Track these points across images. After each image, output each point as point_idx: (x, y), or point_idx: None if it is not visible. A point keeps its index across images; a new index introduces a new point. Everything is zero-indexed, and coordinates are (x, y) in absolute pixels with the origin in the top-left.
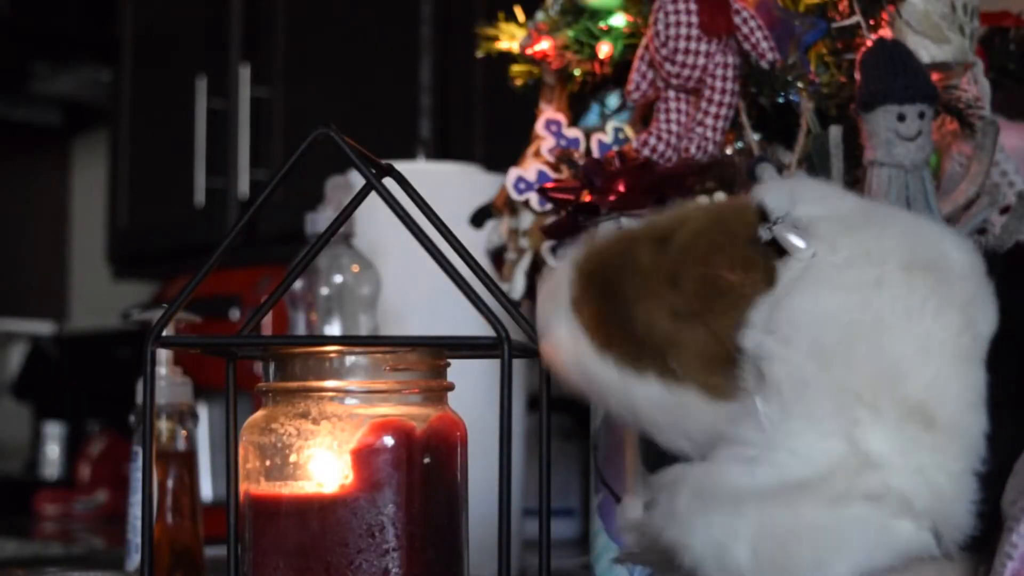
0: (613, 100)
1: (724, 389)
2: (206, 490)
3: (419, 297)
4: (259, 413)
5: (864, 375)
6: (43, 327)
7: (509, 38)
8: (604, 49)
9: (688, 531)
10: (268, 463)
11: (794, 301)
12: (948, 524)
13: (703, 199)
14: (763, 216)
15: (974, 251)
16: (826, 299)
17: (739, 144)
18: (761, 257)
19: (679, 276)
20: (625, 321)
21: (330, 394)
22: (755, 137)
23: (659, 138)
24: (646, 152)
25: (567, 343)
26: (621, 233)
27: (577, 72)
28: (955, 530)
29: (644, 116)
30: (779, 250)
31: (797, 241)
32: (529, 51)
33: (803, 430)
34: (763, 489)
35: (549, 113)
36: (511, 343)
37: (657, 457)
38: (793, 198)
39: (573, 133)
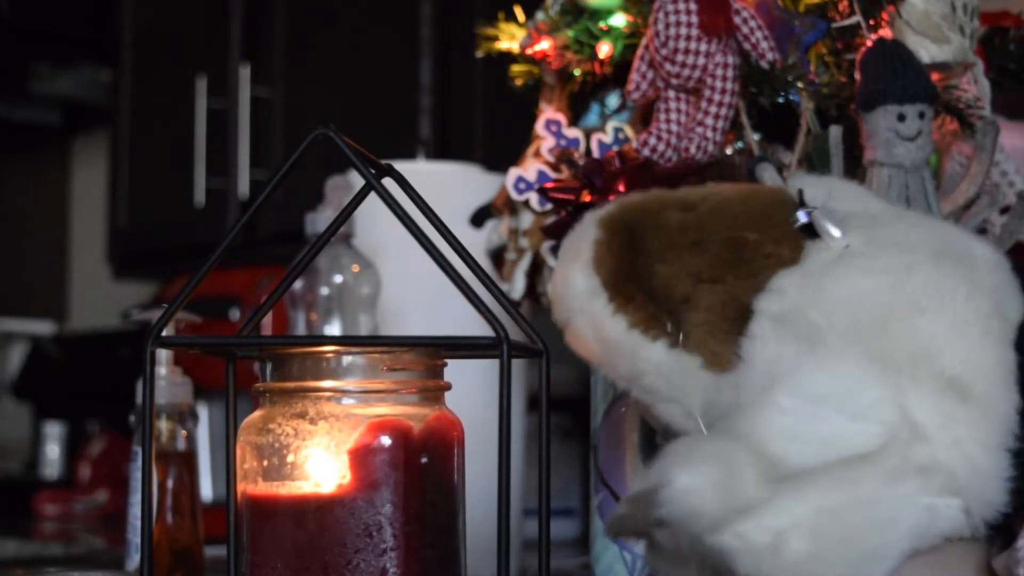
0: (613, 100)
1: (725, 359)
2: (206, 490)
3: (419, 297)
4: (256, 413)
5: (901, 350)
6: (43, 327)
7: (509, 38)
8: (604, 49)
9: (741, 537)
10: (266, 463)
11: (831, 282)
12: (981, 500)
13: None
14: (799, 203)
15: (997, 250)
16: (861, 282)
17: (739, 144)
18: (791, 235)
19: (705, 239)
20: (644, 280)
21: (327, 394)
22: (755, 137)
23: (659, 138)
24: (646, 152)
25: (583, 298)
26: (650, 194)
27: (577, 72)
28: (987, 507)
29: (644, 116)
30: (810, 234)
31: (834, 230)
32: (529, 51)
33: (853, 390)
34: (821, 466)
35: (549, 113)
36: (510, 343)
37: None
38: (829, 192)
39: (573, 133)
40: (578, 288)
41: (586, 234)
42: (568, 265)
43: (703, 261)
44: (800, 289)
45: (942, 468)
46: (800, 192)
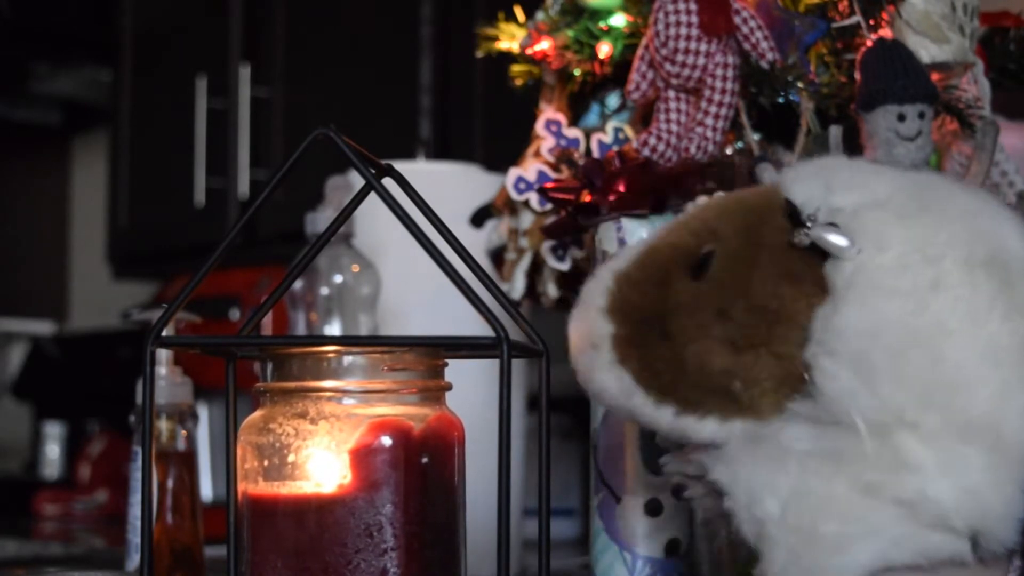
0: (613, 100)
1: (776, 412)
2: (206, 490)
3: (419, 297)
4: (257, 413)
5: (915, 390)
6: (43, 327)
7: (509, 38)
8: (604, 49)
9: (733, 474)
10: (266, 463)
11: (845, 313)
12: (990, 537)
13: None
14: (793, 213)
15: None
16: (878, 309)
17: (739, 144)
18: (805, 265)
19: (726, 309)
20: (678, 364)
21: (328, 394)
22: (755, 137)
23: (659, 138)
24: (646, 152)
25: (619, 396)
26: (646, 262)
27: (577, 72)
28: (997, 543)
29: (644, 116)
30: (823, 251)
31: (839, 240)
32: (529, 51)
33: (842, 438)
34: (806, 450)
35: (549, 113)
36: (510, 343)
37: (659, 455)
38: (826, 186)
39: (573, 133)
40: (612, 391)
41: (596, 326)
42: (590, 365)
43: (734, 330)
44: (823, 329)
45: (931, 504)
46: (790, 206)
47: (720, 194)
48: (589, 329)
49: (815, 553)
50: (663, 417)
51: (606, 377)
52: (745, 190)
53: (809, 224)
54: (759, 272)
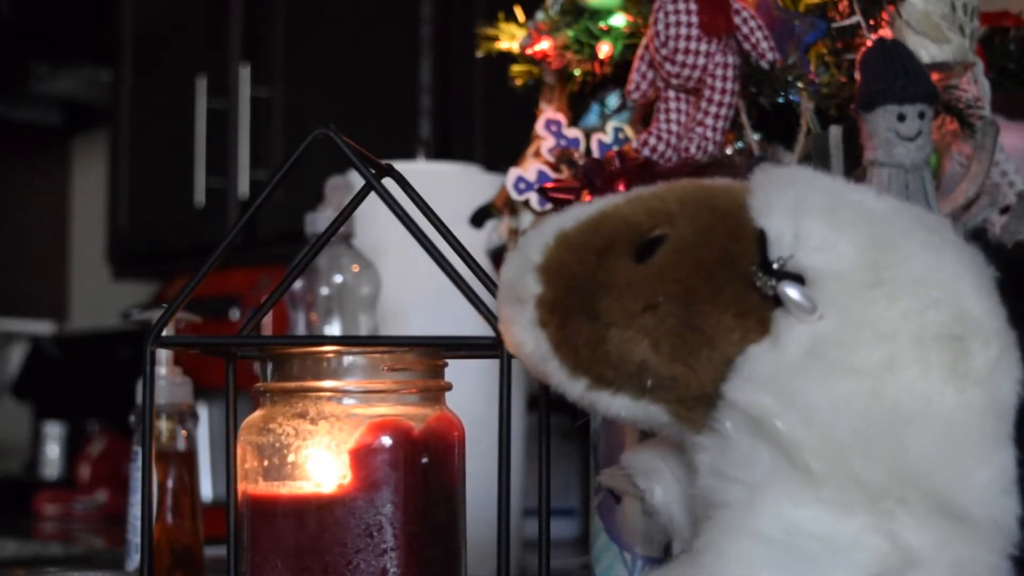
0: (613, 100)
1: (698, 424)
2: (206, 490)
3: (419, 297)
4: (257, 413)
5: (887, 470)
6: (43, 327)
7: (509, 38)
8: (604, 49)
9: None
10: (266, 463)
11: (806, 384)
12: None
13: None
14: (762, 244)
15: (994, 291)
16: (837, 386)
17: (739, 144)
18: (757, 303)
19: (659, 304)
20: (597, 343)
21: (328, 394)
22: (755, 137)
23: (659, 138)
24: (646, 152)
25: (534, 356)
26: (592, 228)
27: (577, 72)
28: None
29: (644, 116)
30: (777, 298)
31: (804, 303)
32: (529, 51)
33: (839, 519)
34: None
35: (549, 113)
36: None
37: None
38: (796, 233)
39: (573, 133)
40: (528, 350)
41: (526, 282)
42: (512, 318)
43: (660, 328)
44: (774, 386)
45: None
46: (763, 233)
47: (685, 180)
48: (518, 282)
49: None
50: (575, 388)
51: (525, 336)
52: (711, 182)
53: (776, 266)
54: (706, 282)
